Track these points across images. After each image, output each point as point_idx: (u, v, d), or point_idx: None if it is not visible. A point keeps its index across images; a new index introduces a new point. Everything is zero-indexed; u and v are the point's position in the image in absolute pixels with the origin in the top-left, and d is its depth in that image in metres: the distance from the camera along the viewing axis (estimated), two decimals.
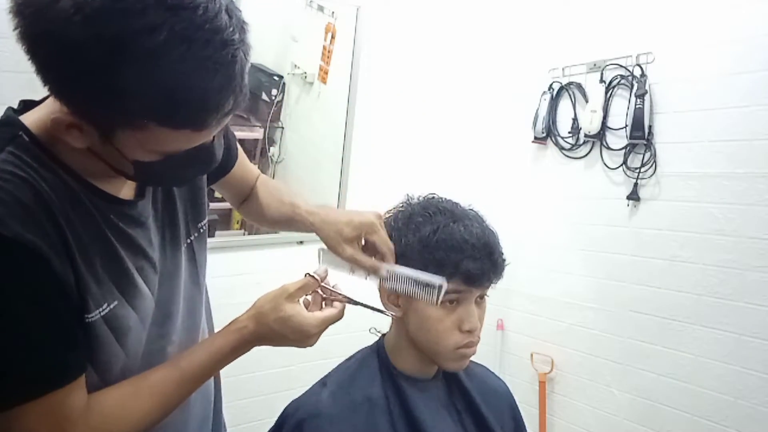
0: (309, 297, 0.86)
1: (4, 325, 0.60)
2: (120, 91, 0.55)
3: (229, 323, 0.81)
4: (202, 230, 0.90)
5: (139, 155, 0.63)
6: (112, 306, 0.70)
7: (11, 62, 1.51)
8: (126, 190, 0.75)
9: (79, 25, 0.52)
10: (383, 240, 0.90)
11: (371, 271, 0.90)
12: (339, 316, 0.84)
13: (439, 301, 0.84)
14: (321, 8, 2.10)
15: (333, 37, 2.13)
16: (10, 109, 0.70)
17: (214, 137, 0.67)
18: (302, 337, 0.80)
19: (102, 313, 0.68)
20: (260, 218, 1.09)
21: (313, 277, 0.83)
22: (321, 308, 0.85)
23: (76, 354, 0.67)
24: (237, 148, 1.00)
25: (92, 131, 0.60)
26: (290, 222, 1.02)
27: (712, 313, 1.86)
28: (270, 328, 0.79)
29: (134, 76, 0.54)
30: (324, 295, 0.86)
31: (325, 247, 0.92)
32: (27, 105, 0.70)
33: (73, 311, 0.65)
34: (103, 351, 0.70)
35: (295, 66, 2.15)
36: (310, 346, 0.82)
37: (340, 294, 0.86)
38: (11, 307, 0.60)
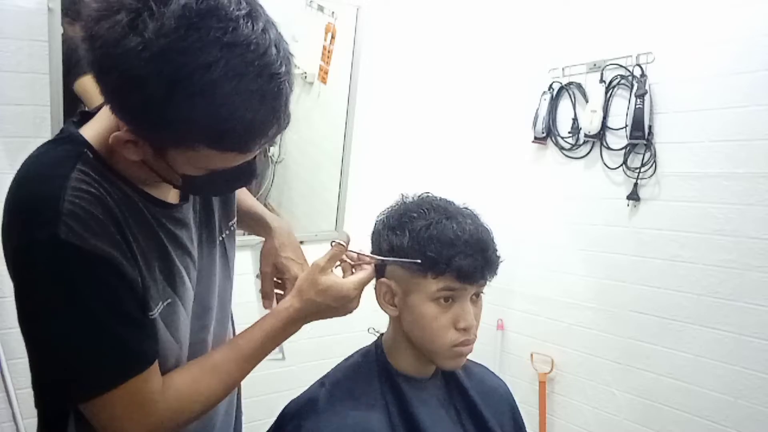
0: (338, 267, 0.90)
1: (89, 323, 0.68)
2: (175, 120, 0.61)
3: (279, 303, 0.88)
4: (232, 228, 0.97)
5: (188, 170, 0.70)
6: (166, 303, 0.77)
7: (12, 62, 1.51)
8: (172, 193, 0.82)
9: (144, 62, 0.57)
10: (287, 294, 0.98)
11: (262, 295, 1.03)
12: (371, 277, 0.89)
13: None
14: (321, 8, 2.11)
15: (333, 37, 2.13)
16: (71, 122, 0.76)
17: (255, 155, 0.74)
18: (344, 302, 0.86)
19: (159, 311, 0.75)
20: None
21: (339, 244, 0.88)
22: (352, 273, 0.90)
23: (150, 342, 0.74)
24: None
25: (147, 147, 0.67)
26: (246, 214, 1.07)
27: (712, 313, 1.86)
28: (313, 302, 0.85)
29: (189, 107, 0.59)
30: (352, 262, 0.90)
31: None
32: (83, 116, 0.77)
33: (142, 308, 0.73)
34: (161, 345, 0.77)
35: (295, 66, 2.15)
36: (353, 309, 0.88)
37: (367, 255, 0.90)
38: (94, 309, 0.68)
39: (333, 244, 0.88)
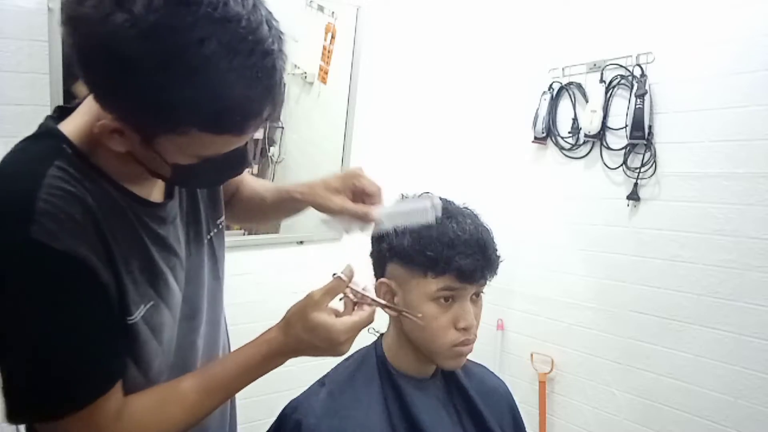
0: (341, 300, 0.83)
1: (60, 331, 0.63)
2: (168, 102, 0.57)
3: (262, 333, 0.80)
4: (220, 226, 0.93)
5: (178, 159, 0.66)
6: (148, 306, 0.73)
7: (12, 62, 1.51)
8: (156, 191, 0.78)
9: (134, 41, 0.54)
10: (370, 182, 0.90)
11: (362, 217, 0.87)
12: (369, 320, 0.80)
13: (435, 218, 0.83)
14: (321, 8, 2.11)
15: (333, 37, 2.13)
16: (48, 118, 0.72)
17: (246, 141, 0.69)
18: (332, 345, 0.77)
19: (141, 314, 0.71)
20: (245, 214, 1.11)
21: (340, 278, 0.80)
22: (352, 312, 0.81)
23: (117, 361, 0.70)
24: None
25: (134, 136, 0.62)
26: (279, 204, 1.02)
27: (712, 313, 1.86)
28: (299, 338, 0.77)
29: (183, 87, 0.56)
30: (354, 299, 0.82)
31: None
32: (62, 111, 0.72)
33: (116, 317, 0.69)
34: (144, 349, 0.73)
35: (295, 66, 2.16)
36: (343, 354, 0.80)
37: (369, 297, 0.82)
38: (67, 316, 0.63)
39: (334, 276, 0.80)
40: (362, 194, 0.90)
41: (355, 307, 0.82)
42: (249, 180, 1.09)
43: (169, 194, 0.80)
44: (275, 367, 0.79)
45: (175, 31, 0.54)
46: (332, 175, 0.92)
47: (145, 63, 0.55)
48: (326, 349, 0.78)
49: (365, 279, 0.85)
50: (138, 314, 0.71)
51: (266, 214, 1.09)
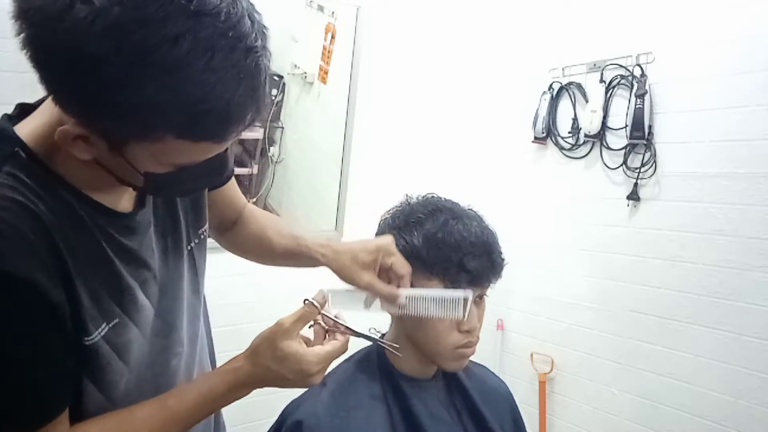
0: (311, 328, 0.80)
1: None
2: (139, 106, 0.51)
3: (227, 361, 0.76)
4: (202, 236, 0.86)
5: (152, 167, 0.59)
6: (111, 324, 0.67)
7: (12, 62, 1.50)
8: (125, 199, 0.71)
9: (98, 37, 0.48)
10: (401, 262, 0.86)
11: (390, 299, 0.84)
12: (342, 350, 0.77)
13: (466, 315, 0.82)
14: (321, 8, 2.10)
15: (333, 37, 2.13)
16: (5, 117, 0.65)
17: (227, 147, 0.64)
18: (303, 376, 0.73)
19: (102, 333, 0.65)
20: (246, 251, 1.03)
21: (312, 304, 0.76)
22: (323, 340, 0.78)
23: (64, 388, 0.64)
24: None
25: (101, 143, 0.56)
26: (293, 255, 0.96)
27: (712, 313, 1.86)
28: (267, 369, 0.73)
29: (155, 89, 0.51)
30: (326, 326, 0.79)
31: (331, 288, 0.83)
32: (23, 109, 0.66)
33: (67, 342, 0.62)
34: (106, 370, 0.67)
35: (295, 66, 2.15)
36: (314, 385, 0.77)
37: (342, 325, 0.79)
38: (6, 347, 0.58)
39: (305, 302, 0.76)
40: (389, 271, 0.87)
41: (327, 335, 0.78)
42: (258, 216, 1.02)
43: (140, 202, 0.73)
44: (240, 398, 0.74)
45: (144, 26, 0.49)
46: (361, 247, 0.87)
47: (110, 63, 0.49)
48: (296, 381, 0.74)
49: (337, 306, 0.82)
50: (98, 334, 0.65)
51: (272, 260, 1.02)
